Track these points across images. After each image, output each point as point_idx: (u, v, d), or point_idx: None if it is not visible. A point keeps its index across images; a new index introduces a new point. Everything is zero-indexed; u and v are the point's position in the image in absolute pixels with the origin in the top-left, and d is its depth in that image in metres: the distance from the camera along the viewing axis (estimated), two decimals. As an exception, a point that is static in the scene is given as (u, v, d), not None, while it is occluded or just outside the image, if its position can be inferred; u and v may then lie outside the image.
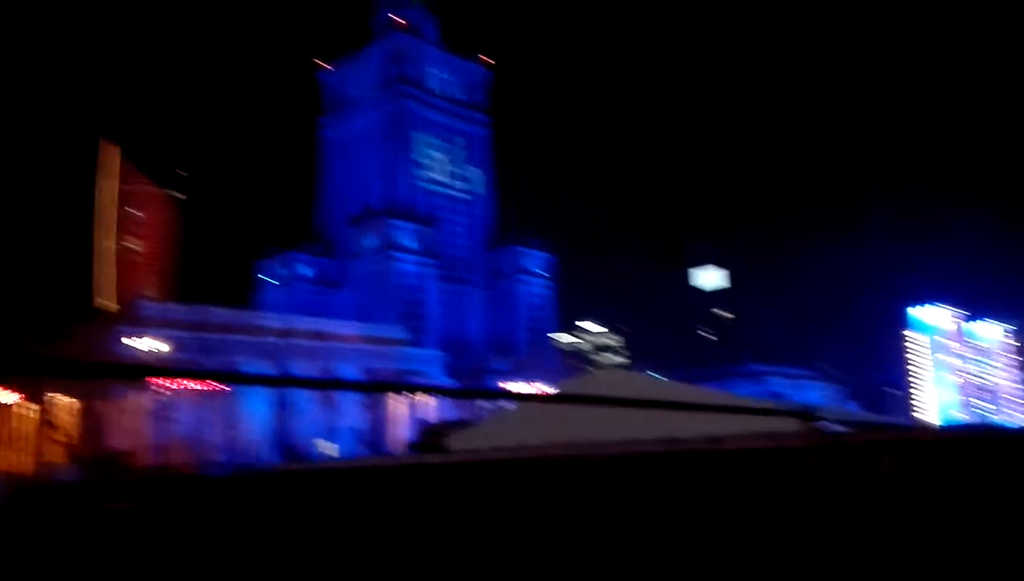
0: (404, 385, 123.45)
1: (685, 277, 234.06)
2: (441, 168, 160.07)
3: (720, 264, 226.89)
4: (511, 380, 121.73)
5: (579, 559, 11.04)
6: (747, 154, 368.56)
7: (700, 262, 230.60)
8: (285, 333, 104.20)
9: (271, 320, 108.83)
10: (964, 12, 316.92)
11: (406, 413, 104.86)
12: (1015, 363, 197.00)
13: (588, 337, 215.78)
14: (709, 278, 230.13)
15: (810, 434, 4.14)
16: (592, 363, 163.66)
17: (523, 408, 25.46)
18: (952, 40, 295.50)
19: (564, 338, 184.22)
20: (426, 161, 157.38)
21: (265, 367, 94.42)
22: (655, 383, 19.79)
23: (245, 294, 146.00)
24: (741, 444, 12.87)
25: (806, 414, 4.07)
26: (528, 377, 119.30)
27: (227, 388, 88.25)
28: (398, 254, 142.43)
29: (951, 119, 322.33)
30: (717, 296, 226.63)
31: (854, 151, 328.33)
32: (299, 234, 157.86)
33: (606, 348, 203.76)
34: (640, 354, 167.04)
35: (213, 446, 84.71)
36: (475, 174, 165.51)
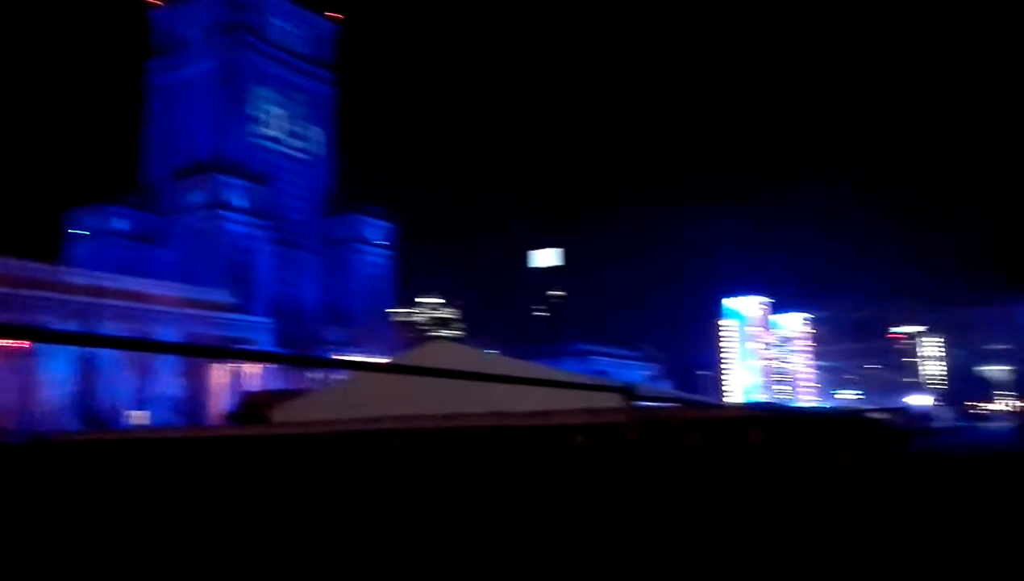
0: (228, 350, 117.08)
1: (524, 257, 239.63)
2: (279, 125, 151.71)
3: (560, 246, 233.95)
4: (345, 352, 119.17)
5: (402, 532, 10.93)
6: (589, 142, 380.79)
7: (539, 243, 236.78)
8: (95, 291, 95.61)
9: (79, 277, 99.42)
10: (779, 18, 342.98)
11: (228, 382, 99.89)
12: (810, 350, 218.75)
13: (426, 311, 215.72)
14: (546, 258, 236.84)
15: (629, 410, 4.23)
16: (428, 337, 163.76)
17: (353, 380, 25.02)
18: (771, 38, 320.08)
19: (402, 311, 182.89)
20: (263, 116, 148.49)
21: (71, 327, 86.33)
22: (487, 357, 19.97)
23: (56, 248, 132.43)
24: (566, 419, 13.26)
25: (627, 390, 4.16)
26: (363, 349, 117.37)
27: (25, 346, 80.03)
28: (227, 213, 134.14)
29: (772, 119, 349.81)
30: (552, 277, 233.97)
31: (685, 145, 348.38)
32: (122, 186, 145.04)
33: (443, 322, 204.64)
34: (476, 329, 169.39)
35: (5, 412, 76.68)
36: (316, 134, 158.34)
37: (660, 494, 11.19)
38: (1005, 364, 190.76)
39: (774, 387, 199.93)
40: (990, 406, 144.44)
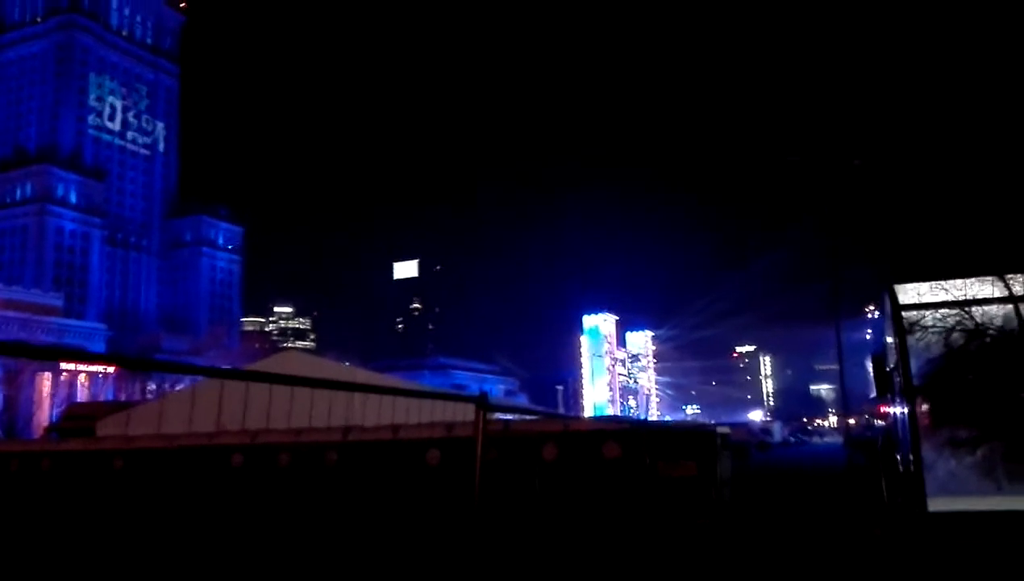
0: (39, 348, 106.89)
1: (385, 269, 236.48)
2: (117, 116, 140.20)
3: (421, 260, 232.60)
4: (187, 362, 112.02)
5: (238, 549, 10.00)
6: (452, 155, 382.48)
7: (401, 255, 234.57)
8: None
9: None
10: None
11: (49, 391, 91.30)
12: (657, 367, 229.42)
13: (279, 321, 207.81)
14: (407, 271, 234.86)
15: (485, 423, 3.85)
16: (280, 348, 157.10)
17: (191, 391, 23.35)
18: (631, 51, 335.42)
19: (251, 320, 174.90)
20: (99, 106, 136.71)
21: None
22: (342, 369, 19.07)
23: None
24: (420, 433, 12.75)
25: (480, 400, 3.78)
26: (207, 360, 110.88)
27: None
28: (56, 208, 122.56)
29: (632, 141, 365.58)
30: (414, 290, 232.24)
31: (548, 163, 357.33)
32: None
33: (297, 333, 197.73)
34: (332, 342, 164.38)
35: None
36: (158, 128, 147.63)
37: (516, 508, 10.91)
38: (832, 383, 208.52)
39: (625, 402, 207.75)
40: (822, 422, 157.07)
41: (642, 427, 13.04)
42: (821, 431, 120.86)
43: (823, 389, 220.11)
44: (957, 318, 9.87)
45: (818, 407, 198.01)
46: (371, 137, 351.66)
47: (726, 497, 13.55)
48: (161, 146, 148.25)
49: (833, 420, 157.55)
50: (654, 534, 10.87)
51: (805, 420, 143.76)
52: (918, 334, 9.99)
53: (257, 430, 15.28)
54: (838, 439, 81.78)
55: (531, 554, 9.44)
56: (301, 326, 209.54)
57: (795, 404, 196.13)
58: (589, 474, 11.75)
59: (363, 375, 18.15)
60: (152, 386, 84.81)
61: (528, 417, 24.64)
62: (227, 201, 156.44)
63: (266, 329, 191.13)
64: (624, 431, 12.27)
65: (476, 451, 3.85)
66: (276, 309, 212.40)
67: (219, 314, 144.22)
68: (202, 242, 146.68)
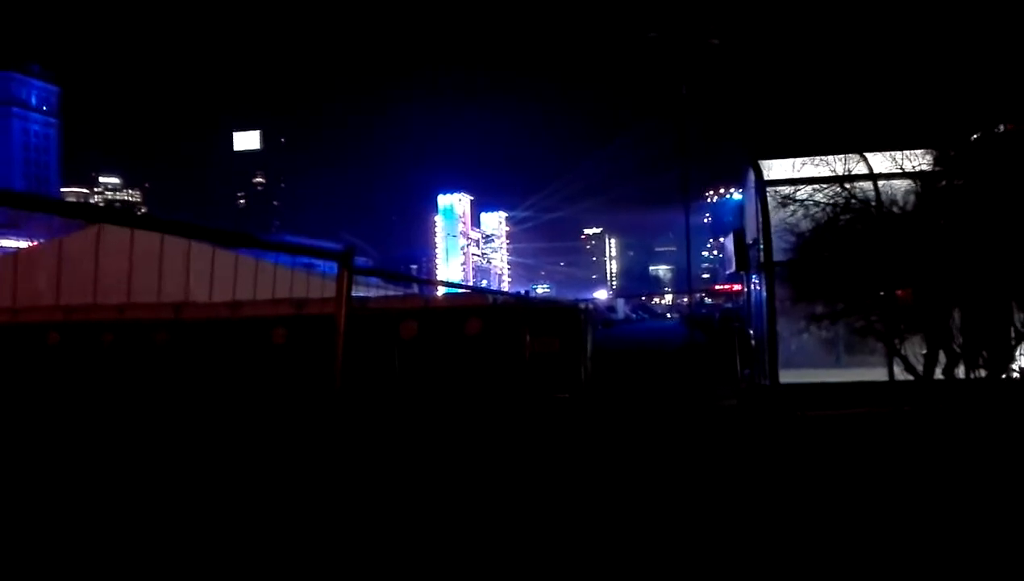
0: None
1: (226, 140, 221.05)
2: None
3: (265, 131, 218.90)
4: (3, 235, 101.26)
5: (53, 440, 8.76)
6: (299, 25, 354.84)
7: (243, 126, 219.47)
8: None
9: None
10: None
11: None
12: (507, 246, 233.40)
13: (104, 193, 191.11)
14: (249, 142, 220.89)
15: (339, 301, 3.00)
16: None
17: (6, 263, 20.74)
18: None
19: (72, 191, 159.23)
20: None
21: None
22: (174, 243, 17.24)
23: None
24: (266, 310, 11.66)
25: (346, 258, 2.93)
26: (22, 232, 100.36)
27: None
28: None
29: (487, 21, 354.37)
30: (257, 163, 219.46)
31: (400, 36, 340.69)
32: None
33: (125, 205, 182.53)
34: (165, 216, 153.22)
35: None
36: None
37: (373, 388, 10.24)
38: (669, 264, 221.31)
39: (479, 282, 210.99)
40: (659, 299, 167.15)
41: (505, 302, 12.55)
42: (657, 309, 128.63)
43: (661, 269, 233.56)
44: (823, 194, 9.86)
45: (656, 286, 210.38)
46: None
47: (587, 372, 13.56)
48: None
49: (669, 298, 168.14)
50: (515, 410, 10.60)
51: (644, 298, 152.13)
52: (790, 208, 9.91)
53: (76, 306, 13.55)
54: (674, 316, 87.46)
55: (390, 436, 8.86)
56: (131, 198, 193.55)
57: (636, 283, 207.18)
58: (451, 351, 11.22)
59: (197, 249, 16.47)
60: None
61: (381, 293, 23.72)
62: (43, 60, 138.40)
63: (91, 201, 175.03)
64: (487, 307, 11.73)
65: (340, 315, 3.04)
66: (102, 179, 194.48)
67: (35, 183, 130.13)
68: (11, 102, 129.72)
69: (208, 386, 10.06)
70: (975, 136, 9.90)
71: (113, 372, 10.91)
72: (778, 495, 6.18)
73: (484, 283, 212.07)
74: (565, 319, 12.69)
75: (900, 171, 9.82)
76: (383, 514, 5.74)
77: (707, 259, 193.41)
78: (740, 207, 14.97)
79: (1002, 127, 9.70)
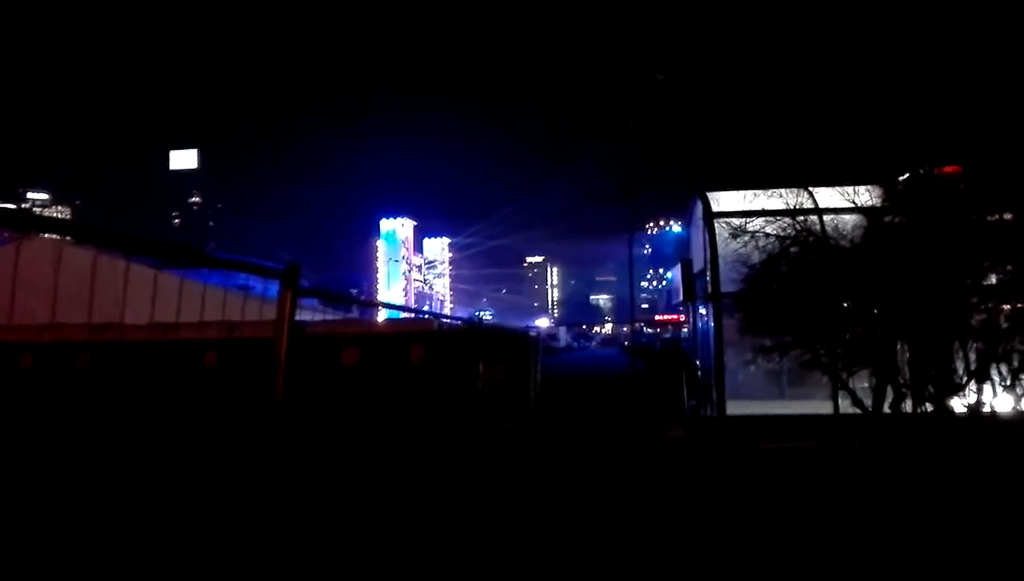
0: None
1: (162, 157, 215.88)
2: None
3: (203, 150, 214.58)
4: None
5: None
6: (243, 37, 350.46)
7: (180, 144, 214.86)
8: None
9: None
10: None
11: None
12: (450, 272, 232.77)
13: (34, 208, 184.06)
14: (186, 161, 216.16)
15: (279, 323, 2.69)
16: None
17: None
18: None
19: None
20: None
21: None
22: (105, 261, 16.42)
23: None
24: (199, 333, 11.07)
25: (289, 276, 2.61)
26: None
27: None
28: None
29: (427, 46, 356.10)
30: (194, 182, 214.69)
31: (345, 58, 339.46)
32: None
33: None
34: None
35: None
36: None
37: (310, 417, 9.77)
38: (609, 294, 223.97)
39: (420, 308, 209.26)
40: (599, 329, 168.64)
41: (451, 329, 12.24)
42: (597, 337, 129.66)
43: (601, 299, 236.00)
44: (772, 227, 9.89)
45: (596, 315, 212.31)
46: (151, 11, 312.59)
47: (533, 401, 13.30)
48: None
49: (608, 328, 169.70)
50: (458, 440, 10.25)
51: (585, 327, 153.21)
52: (739, 240, 9.91)
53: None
54: (614, 345, 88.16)
55: (328, 469, 8.41)
56: (60, 215, 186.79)
57: (576, 312, 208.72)
58: (393, 379, 10.81)
59: (130, 269, 15.70)
60: None
61: (318, 317, 23.03)
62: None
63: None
64: (432, 333, 11.38)
65: (281, 340, 2.72)
66: (30, 195, 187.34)
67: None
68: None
69: (132, 413, 9.42)
70: (918, 173, 10.09)
71: (32, 395, 10.17)
72: (732, 529, 5.99)
73: (426, 309, 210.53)
74: (513, 346, 12.43)
75: (847, 206, 9.93)
76: (322, 550, 5.34)
77: (646, 290, 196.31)
78: (684, 238, 15.04)
79: (943, 169, 9.91)
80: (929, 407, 8.23)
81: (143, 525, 6.24)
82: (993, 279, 8.32)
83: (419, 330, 12.06)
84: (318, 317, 17.27)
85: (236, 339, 10.42)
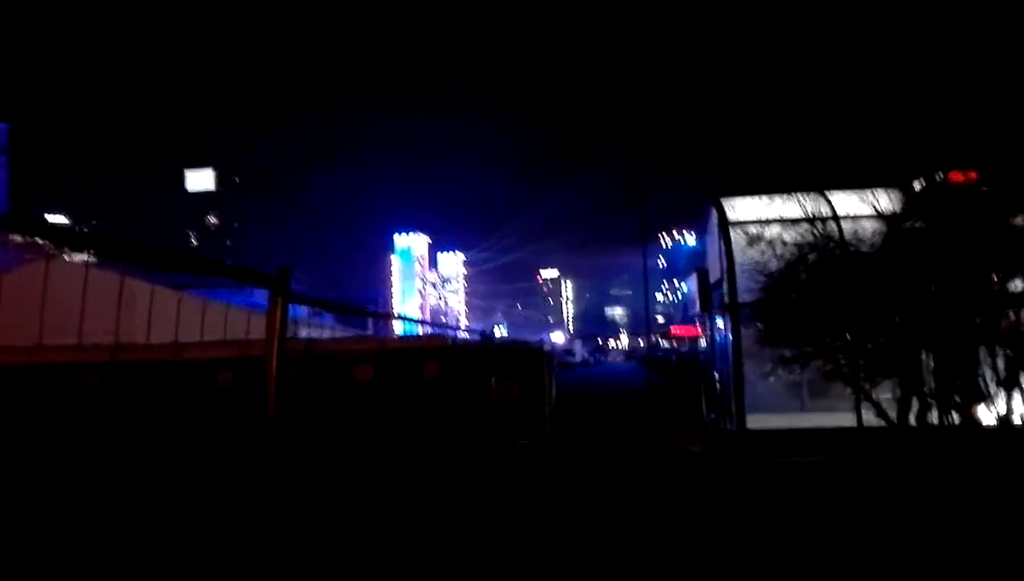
0: None
1: (178, 178, 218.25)
2: None
3: (220, 170, 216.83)
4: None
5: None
6: (256, 61, 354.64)
7: (195, 164, 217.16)
8: None
9: None
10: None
11: None
12: (465, 288, 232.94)
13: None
14: (203, 181, 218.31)
15: (289, 341, 2.54)
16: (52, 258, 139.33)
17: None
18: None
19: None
20: None
21: None
22: (113, 280, 16.45)
23: None
24: (210, 352, 11.00)
25: (280, 282, 2.48)
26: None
27: None
28: None
29: (449, 61, 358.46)
30: (210, 202, 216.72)
31: (359, 76, 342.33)
32: None
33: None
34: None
35: None
36: None
37: (324, 434, 9.63)
38: (625, 307, 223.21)
39: (432, 322, 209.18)
40: (615, 342, 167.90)
41: (465, 344, 12.09)
42: (613, 351, 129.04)
43: (616, 312, 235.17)
44: (789, 234, 9.70)
45: (612, 328, 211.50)
46: (161, 33, 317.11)
47: (548, 416, 13.10)
48: None
49: (624, 341, 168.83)
50: (471, 457, 10.07)
51: (601, 341, 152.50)
52: (756, 248, 9.71)
53: (8, 347, 12.67)
54: (630, 358, 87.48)
55: (341, 486, 8.27)
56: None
57: (592, 326, 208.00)
58: (408, 396, 10.66)
59: (143, 289, 15.71)
60: None
61: (334, 333, 23.00)
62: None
63: (39, 241, 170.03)
64: (446, 349, 11.25)
65: (271, 351, 2.58)
66: (50, 218, 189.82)
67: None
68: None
69: (146, 432, 9.34)
70: (933, 178, 9.87)
71: (40, 416, 10.10)
72: (756, 546, 5.78)
73: (442, 321, 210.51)
74: (527, 361, 12.25)
75: (865, 210, 9.72)
76: (333, 569, 5.18)
77: (661, 302, 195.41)
78: (699, 250, 14.86)
79: (959, 174, 9.68)
80: (956, 418, 7.97)
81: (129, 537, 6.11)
82: (1020, 285, 8.08)
83: (432, 346, 11.93)
84: (328, 334, 17.23)
85: (247, 358, 10.31)
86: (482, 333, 16.36)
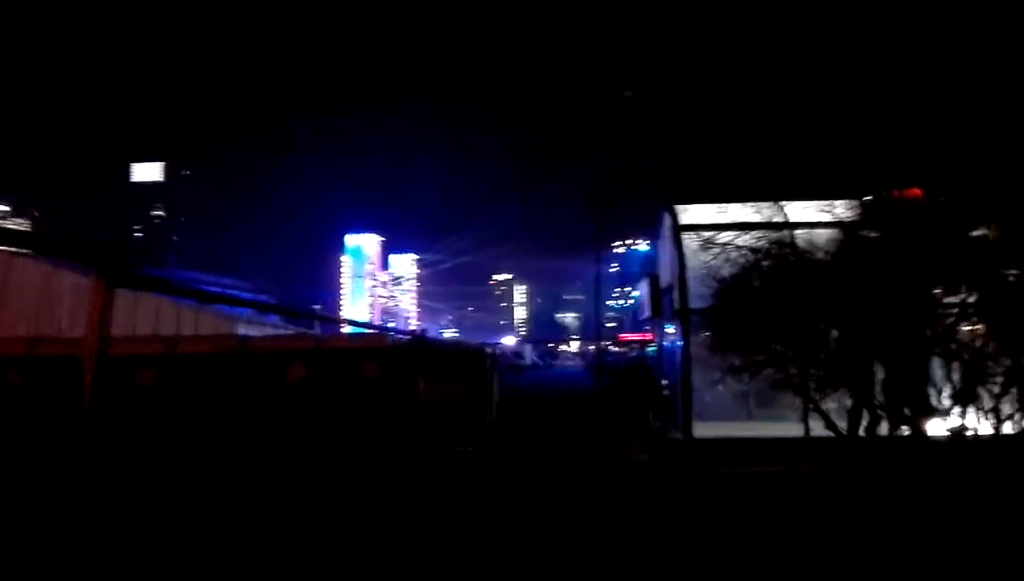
0: None
1: (126, 170, 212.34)
2: None
3: (168, 163, 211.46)
4: None
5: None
6: (207, 56, 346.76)
7: (143, 157, 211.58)
8: None
9: None
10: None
11: None
12: (419, 290, 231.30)
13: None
14: (150, 173, 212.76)
15: (223, 339, 2.03)
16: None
17: None
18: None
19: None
20: None
21: None
22: (57, 276, 15.57)
23: None
24: (134, 348, 10.30)
25: (105, 257, 1.98)
26: None
27: None
28: None
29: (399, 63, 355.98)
30: (157, 196, 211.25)
31: (312, 74, 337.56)
32: None
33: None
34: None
35: None
36: None
37: (243, 440, 9.04)
38: (576, 312, 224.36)
39: (385, 324, 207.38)
40: (564, 347, 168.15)
41: (404, 344, 11.57)
42: (562, 355, 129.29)
43: (568, 317, 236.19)
44: (742, 240, 9.45)
45: (562, 333, 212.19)
46: (117, 27, 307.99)
47: (491, 421, 12.66)
48: None
49: (575, 346, 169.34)
50: (409, 464, 9.57)
51: (551, 345, 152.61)
52: (708, 253, 9.43)
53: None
54: (579, 363, 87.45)
55: (264, 493, 7.71)
56: (17, 227, 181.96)
57: (543, 330, 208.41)
58: (342, 398, 10.12)
59: (82, 283, 14.85)
60: None
61: (278, 332, 22.23)
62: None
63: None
64: (385, 349, 10.73)
65: (89, 345, 2.07)
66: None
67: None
68: None
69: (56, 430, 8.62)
70: (882, 194, 9.74)
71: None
72: (702, 562, 5.43)
73: (392, 325, 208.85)
74: (470, 364, 11.80)
75: (821, 221, 9.53)
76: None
77: (613, 308, 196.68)
78: (652, 256, 14.62)
79: (906, 192, 9.57)
80: (906, 430, 7.78)
81: None
82: (972, 298, 7.93)
83: (370, 346, 11.37)
84: (268, 332, 16.51)
85: (177, 355, 9.64)
86: (411, 333, 15.79)
